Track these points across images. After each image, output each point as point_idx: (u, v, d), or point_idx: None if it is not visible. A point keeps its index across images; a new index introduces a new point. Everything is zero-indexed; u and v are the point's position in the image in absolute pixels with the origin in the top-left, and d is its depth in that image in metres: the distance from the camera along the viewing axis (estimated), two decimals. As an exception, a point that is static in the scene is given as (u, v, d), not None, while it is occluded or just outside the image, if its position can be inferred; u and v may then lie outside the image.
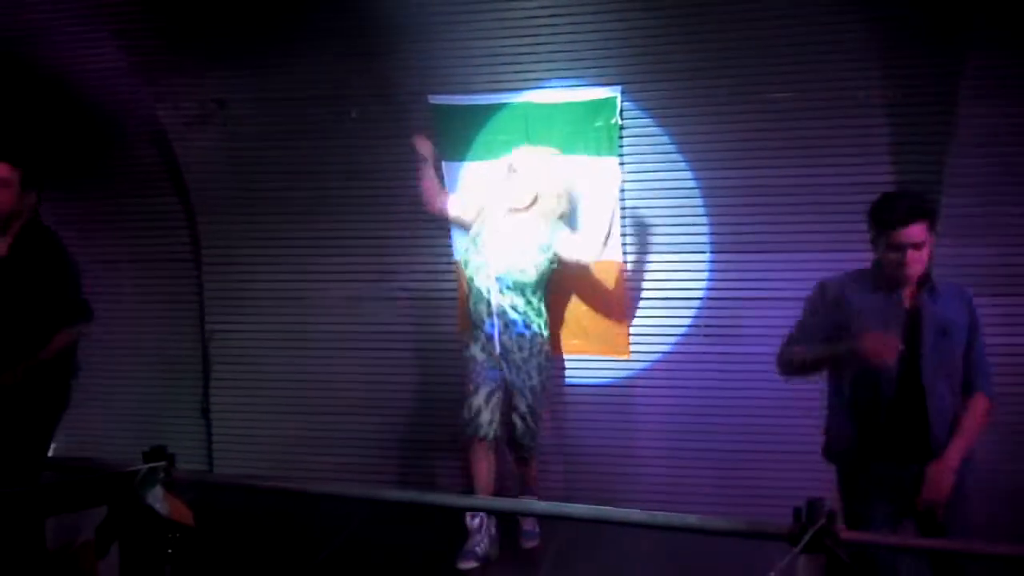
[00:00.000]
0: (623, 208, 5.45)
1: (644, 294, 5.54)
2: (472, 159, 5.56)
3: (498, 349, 5.01)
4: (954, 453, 3.45)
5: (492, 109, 5.50)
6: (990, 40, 4.75)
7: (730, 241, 5.40)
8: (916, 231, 3.44)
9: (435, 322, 5.87)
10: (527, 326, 5.03)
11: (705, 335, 5.49)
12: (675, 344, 5.55)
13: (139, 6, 5.67)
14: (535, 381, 5.06)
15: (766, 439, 5.38)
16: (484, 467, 5.02)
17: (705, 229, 5.41)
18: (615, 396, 5.67)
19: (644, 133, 5.39)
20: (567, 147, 5.40)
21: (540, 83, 5.43)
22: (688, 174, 5.38)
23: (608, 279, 5.46)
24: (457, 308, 5.62)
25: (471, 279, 5.10)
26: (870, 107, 5.04)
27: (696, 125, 5.31)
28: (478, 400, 4.99)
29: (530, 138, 5.44)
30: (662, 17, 5.16)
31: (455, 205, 5.39)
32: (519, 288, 5.01)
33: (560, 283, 5.45)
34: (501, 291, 5.00)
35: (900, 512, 3.56)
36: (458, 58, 5.47)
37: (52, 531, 3.24)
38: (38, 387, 4.38)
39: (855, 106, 5.05)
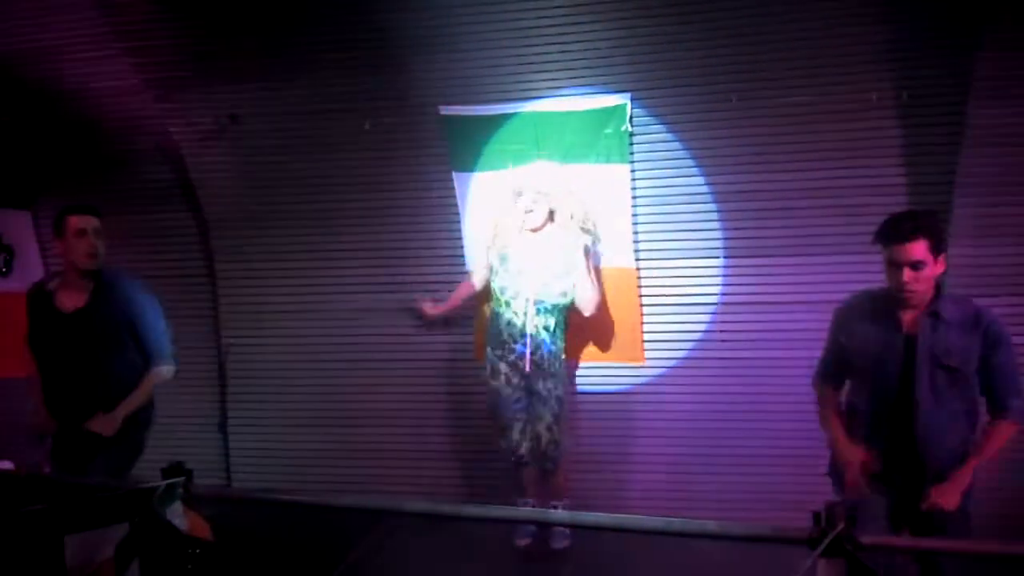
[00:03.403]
0: (635, 214, 5.45)
1: (658, 300, 5.54)
2: (483, 169, 5.58)
3: (528, 368, 5.11)
4: (967, 470, 3.52)
5: (502, 119, 5.52)
6: (1002, 41, 4.73)
7: (743, 246, 5.39)
8: (914, 249, 3.48)
9: (450, 332, 5.88)
10: (554, 343, 5.15)
11: (720, 340, 5.48)
12: (690, 349, 5.54)
13: (152, 23, 5.70)
14: (560, 391, 5.17)
15: (783, 443, 5.36)
16: (532, 482, 5.30)
17: (718, 234, 5.41)
18: (631, 402, 5.66)
19: (655, 139, 5.40)
20: (578, 155, 5.42)
21: (550, 92, 5.44)
22: (700, 179, 5.38)
23: (622, 285, 5.47)
24: (475, 335, 5.76)
25: (505, 304, 5.17)
26: (882, 110, 5.03)
27: (707, 130, 5.31)
28: (515, 435, 5.21)
29: (540, 147, 5.45)
30: (671, 23, 5.16)
31: (474, 281, 5.54)
32: (555, 310, 5.15)
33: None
34: (538, 313, 5.11)
35: (900, 515, 3.65)
36: (468, 69, 5.48)
37: (71, 548, 3.25)
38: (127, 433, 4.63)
39: (867, 109, 5.04)
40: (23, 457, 5.04)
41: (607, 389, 5.69)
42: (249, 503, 4.90)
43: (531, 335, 5.10)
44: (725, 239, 5.41)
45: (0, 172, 6.50)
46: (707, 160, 5.35)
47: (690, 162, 5.38)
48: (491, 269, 5.32)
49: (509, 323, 5.15)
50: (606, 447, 5.67)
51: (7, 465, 6.43)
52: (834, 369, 3.88)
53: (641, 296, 5.52)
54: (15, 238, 6.62)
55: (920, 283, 3.51)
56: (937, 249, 3.52)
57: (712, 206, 5.39)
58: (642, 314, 5.54)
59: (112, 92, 5.99)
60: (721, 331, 5.46)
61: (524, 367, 5.12)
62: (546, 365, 5.13)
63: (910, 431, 3.56)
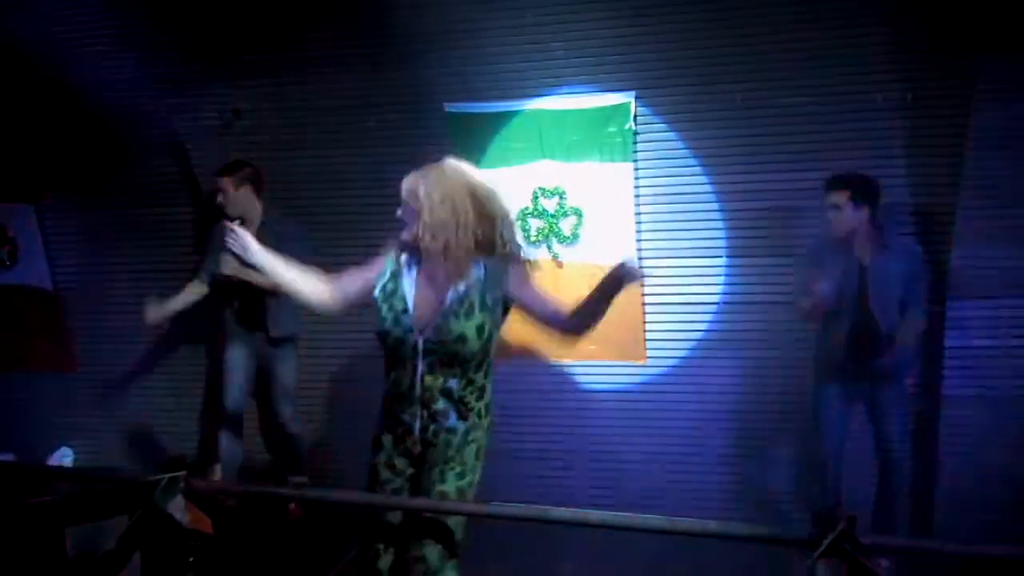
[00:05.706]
0: (638, 213, 5.46)
1: (660, 299, 5.54)
2: (488, 166, 5.57)
3: (417, 449, 3.53)
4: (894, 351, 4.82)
5: (507, 116, 5.53)
6: (1004, 41, 4.73)
7: (746, 245, 5.39)
8: (835, 196, 4.78)
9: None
10: (462, 417, 3.49)
11: (723, 339, 5.48)
12: (692, 349, 5.54)
13: (158, 18, 5.71)
14: (448, 486, 3.47)
15: (786, 444, 5.36)
16: None
17: (721, 233, 5.41)
18: (633, 402, 5.66)
19: (659, 138, 5.40)
20: (582, 153, 5.43)
21: (555, 90, 5.44)
22: (703, 179, 5.38)
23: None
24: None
25: (390, 356, 3.54)
26: (885, 110, 5.03)
27: (711, 129, 5.30)
28: (378, 541, 3.61)
29: (544, 144, 5.46)
30: (676, 22, 5.16)
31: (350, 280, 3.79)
32: (456, 363, 3.44)
33: (576, 288, 5.46)
34: (431, 369, 3.45)
35: (854, 392, 4.96)
36: (474, 66, 5.48)
37: (73, 541, 3.26)
38: None
39: (870, 109, 5.04)
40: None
41: (609, 388, 5.69)
42: (251, 497, 4.92)
43: (421, 402, 3.47)
44: (729, 238, 5.41)
45: (5, 166, 6.54)
46: (711, 159, 5.35)
47: (694, 161, 5.37)
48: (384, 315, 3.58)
49: (396, 382, 3.51)
50: (607, 446, 5.66)
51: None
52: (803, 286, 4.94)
53: (644, 295, 5.51)
54: (20, 232, 6.65)
55: (840, 222, 4.80)
56: (857, 200, 4.77)
57: (716, 205, 5.39)
58: (644, 313, 5.54)
59: (117, 86, 5.99)
60: (724, 330, 5.46)
61: (414, 448, 3.53)
62: (444, 445, 3.48)
63: (871, 325, 4.84)
